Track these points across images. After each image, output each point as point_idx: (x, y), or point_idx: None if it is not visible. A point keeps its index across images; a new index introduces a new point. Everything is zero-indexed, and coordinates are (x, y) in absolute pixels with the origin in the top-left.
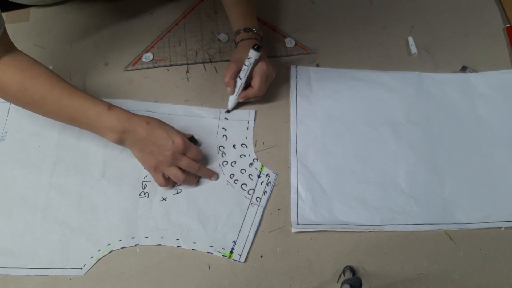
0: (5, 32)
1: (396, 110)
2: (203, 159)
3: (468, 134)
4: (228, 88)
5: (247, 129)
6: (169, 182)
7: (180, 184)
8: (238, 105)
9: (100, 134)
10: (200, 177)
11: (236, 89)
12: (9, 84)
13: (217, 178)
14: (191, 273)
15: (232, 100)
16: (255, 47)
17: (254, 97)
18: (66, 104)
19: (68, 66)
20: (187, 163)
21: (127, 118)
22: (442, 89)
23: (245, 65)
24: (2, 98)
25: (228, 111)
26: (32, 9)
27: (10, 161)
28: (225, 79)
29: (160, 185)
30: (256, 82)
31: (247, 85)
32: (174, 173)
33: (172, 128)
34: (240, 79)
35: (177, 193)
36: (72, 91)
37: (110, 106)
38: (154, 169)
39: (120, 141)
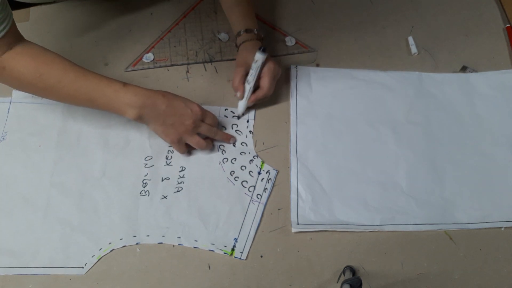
0: (13, 23)
1: (396, 110)
2: (203, 158)
3: (468, 134)
4: (238, 93)
5: (246, 127)
6: (187, 148)
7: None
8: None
9: (119, 112)
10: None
11: (246, 94)
12: (24, 72)
13: (235, 141)
14: (191, 273)
15: (242, 105)
16: (261, 49)
17: (264, 97)
18: (82, 85)
19: None
20: (206, 128)
21: (144, 93)
22: (442, 89)
23: (252, 69)
24: (18, 88)
25: (239, 117)
26: (32, 9)
27: (11, 161)
28: (234, 84)
29: (182, 153)
30: (265, 82)
31: (255, 87)
32: (196, 141)
33: (185, 98)
34: (249, 83)
35: (178, 191)
36: (86, 72)
37: (125, 83)
38: (177, 141)
39: (140, 117)
